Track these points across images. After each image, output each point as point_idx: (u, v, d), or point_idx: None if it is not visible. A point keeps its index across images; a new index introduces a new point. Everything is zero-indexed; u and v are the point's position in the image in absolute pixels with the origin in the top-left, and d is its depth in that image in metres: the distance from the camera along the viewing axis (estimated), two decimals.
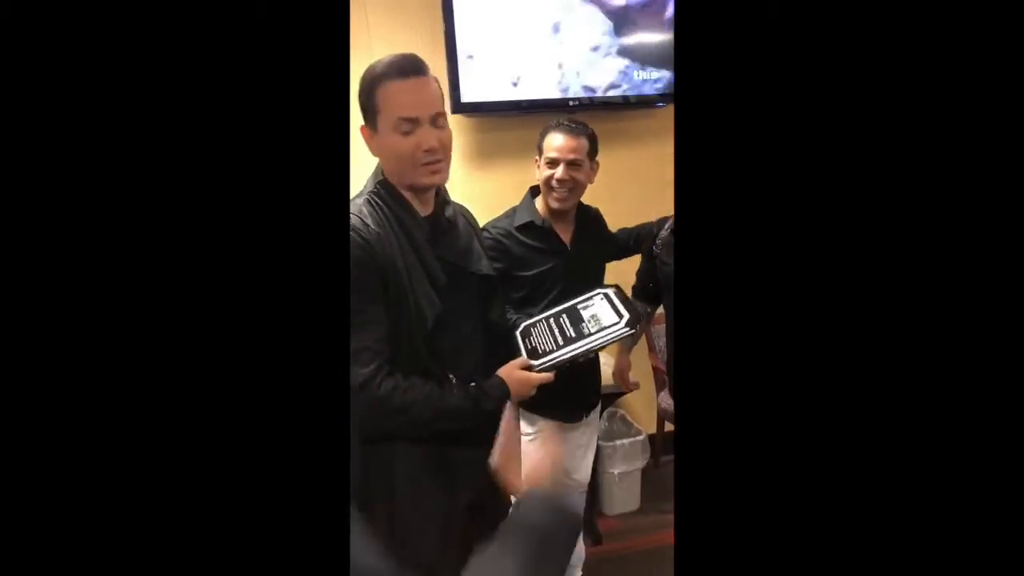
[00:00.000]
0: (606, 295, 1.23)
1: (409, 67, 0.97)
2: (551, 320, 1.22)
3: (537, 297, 1.48)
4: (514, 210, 1.56)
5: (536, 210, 1.53)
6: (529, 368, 1.10)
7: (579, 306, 1.23)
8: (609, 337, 1.12)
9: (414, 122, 0.97)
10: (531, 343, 1.18)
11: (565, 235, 1.54)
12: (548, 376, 1.10)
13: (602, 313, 1.18)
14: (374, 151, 1.04)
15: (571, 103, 2.13)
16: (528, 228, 1.50)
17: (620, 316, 1.14)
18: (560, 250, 1.52)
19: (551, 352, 1.13)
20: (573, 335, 1.15)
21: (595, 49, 2.14)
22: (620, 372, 1.79)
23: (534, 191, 1.58)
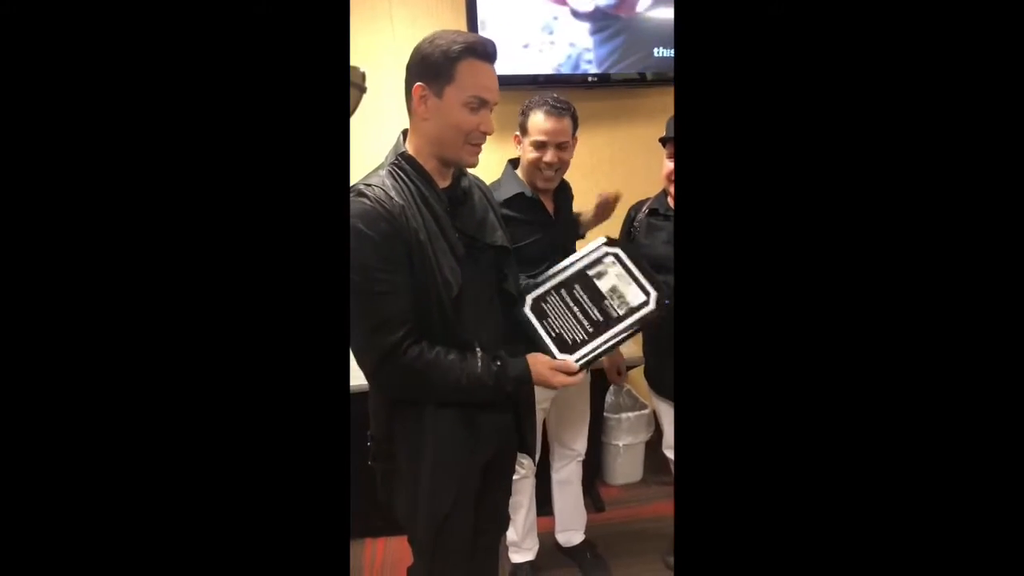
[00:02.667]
0: (616, 257, 1.13)
1: (494, 53, 1.03)
2: (564, 293, 1.14)
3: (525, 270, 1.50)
4: (497, 183, 1.53)
5: (523, 182, 1.51)
6: (569, 371, 1.07)
7: (588, 272, 1.14)
8: (641, 318, 1.04)
9: (484, 104, 1.03)
10: (553, 328, 1.12)
11: (549, 206, 1.55)
12: (575, 380, 1.08)
13: (623, 287, 1.09)
14: (422, 115, 1.03)
15: (589, 78, 2.12)
16: (516, 201, 1.48)
17: (647, 293, 1.06)
18: (547, 221, 1.53)
19: (584, 343, 1.07)
20: (600, 318, 1.08)
21: (613, 24, 2.11)
22: (613, 367, 1.81)
23: (514, 163, 1.56)
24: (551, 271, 1.18)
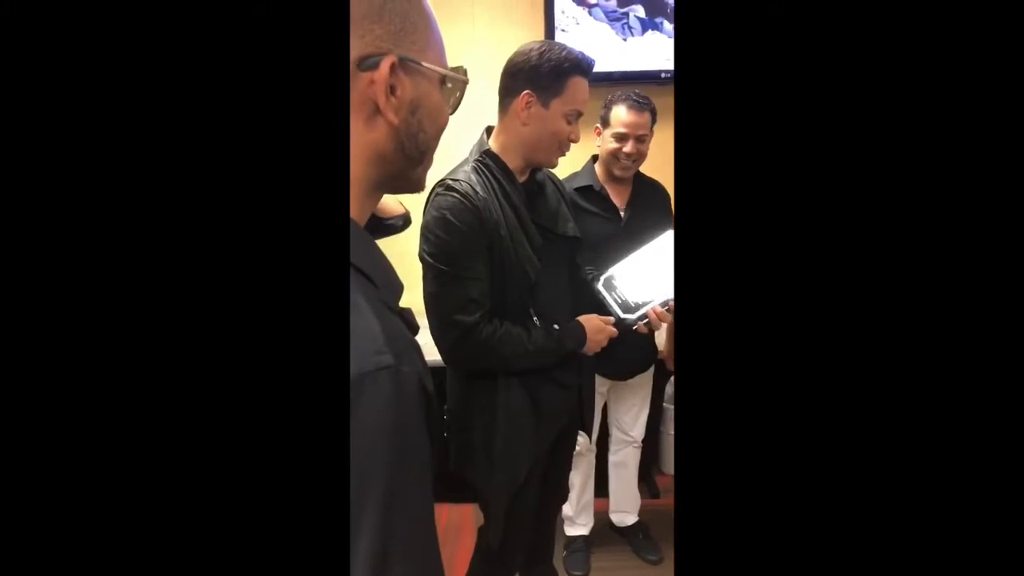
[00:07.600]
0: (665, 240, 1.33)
1: (592, 70, 1.16)
2: (631, 270, 1.33)
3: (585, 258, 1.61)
4: (574, 175, 1.70)
5: (596, 176, 1.67)
6: (619, 322, 1.28)
7: (655, 253, 1.33)
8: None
9: (579, 116, 1.16)
10: (619, 296, 1.31)
11: (619, 201, 1.67)
12: (613, 331, 1.27)
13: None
14: (523, 119, 1.13)
15: (663, 75, 2.17)
16: (585, 192, 1.64)
17: None
18: (613, 215, 1.66)
19: (645, 304, 1.28)
20: (660, 283, 1.29)
21: None
22: (671, 356, 1.87)
23: (595, 158, 1.71)
24: (625, 259, 1.36)
